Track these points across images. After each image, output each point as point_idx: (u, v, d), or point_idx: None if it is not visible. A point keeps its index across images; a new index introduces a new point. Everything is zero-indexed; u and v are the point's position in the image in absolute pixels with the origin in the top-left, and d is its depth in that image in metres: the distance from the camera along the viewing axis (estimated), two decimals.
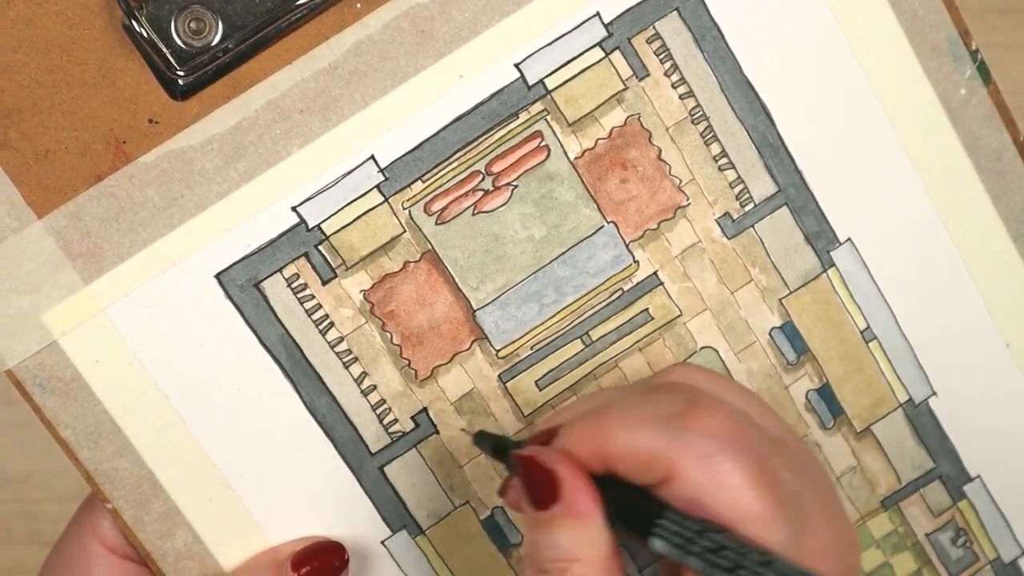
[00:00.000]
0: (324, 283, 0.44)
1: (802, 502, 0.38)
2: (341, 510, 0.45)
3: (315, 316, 0.44)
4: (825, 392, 0.48)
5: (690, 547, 0.35)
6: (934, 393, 0.48)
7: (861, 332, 0.47)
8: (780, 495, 0.37)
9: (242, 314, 0.43)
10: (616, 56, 0.44)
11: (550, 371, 0.46)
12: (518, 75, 0.43)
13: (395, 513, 0.45)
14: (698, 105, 0.44)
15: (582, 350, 0.46)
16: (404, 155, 0.43)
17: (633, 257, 0.45)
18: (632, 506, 0.37)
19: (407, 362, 0.45)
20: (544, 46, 0.43)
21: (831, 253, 0.46)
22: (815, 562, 0.37)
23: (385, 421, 0.45)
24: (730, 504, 0.36)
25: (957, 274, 0.47)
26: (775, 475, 0.37)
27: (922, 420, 0.48)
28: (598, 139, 0.44)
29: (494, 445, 0.42)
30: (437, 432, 0.45)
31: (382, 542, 0.46)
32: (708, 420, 0.37)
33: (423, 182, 0.43)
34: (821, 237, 0.46)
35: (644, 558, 0.47)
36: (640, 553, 0.47)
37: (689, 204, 0.45)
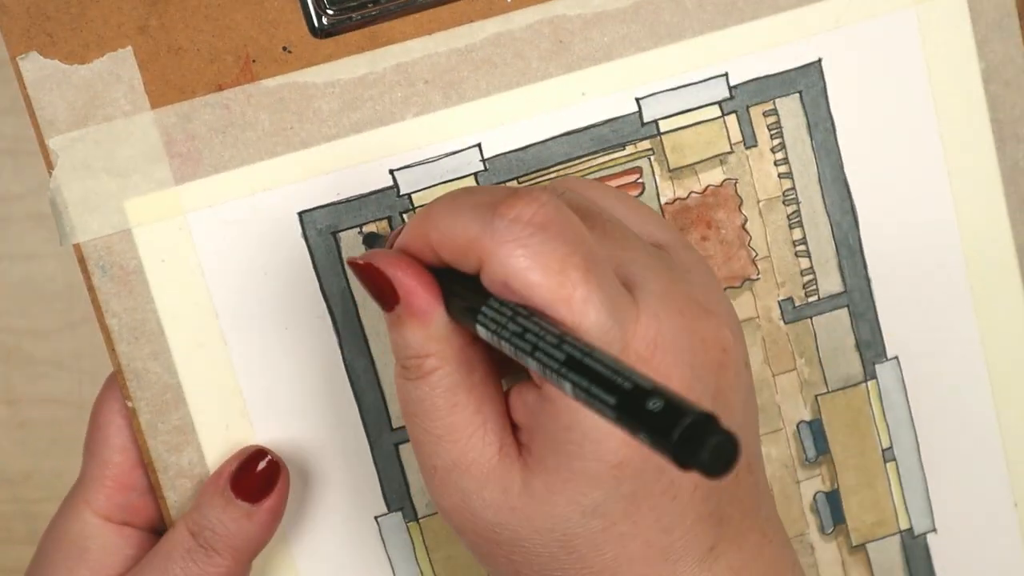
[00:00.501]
0: None
1: (640, 289, 0.36)
2: (347, 474, 0.45)
3: None
4: (833, 498, 0.48)
5: (501, 332, 0.35)
6: (934, 529, 0.48)
7: (883, 450, 0.48)
8: (593, 278, 0.35)
9: (312, 257, 0.43)
10: (731, 119, 0.45)
11: None
12: (636, 109, 0.44)
13: (397, 493, 0.45)
14: (793, 188, 0.45)
15: None
16: (508, 152, 0.44)
17: None
18: (462, 296, 0.37)
19: None
20: (668, 89, 0.44)
21: (876, 366, 0.47)
22: (644, 350, 0.35)
23: None
24: (536, 288, 0.35)
25: (987, 424, 0.48)
26: (590, 260, 0.35)
27: (916, 552, 0.48)
28: (692, 192, 0.45)
29: (365, 240, 0.43)
30: None
31: (376, 517, 0.45)
32: (521, 207, 0.35)
33: (518, 183, 0.44)
34: (871, 348, 0.47)
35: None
36: None
37: (758, 279, 0.46)
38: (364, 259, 0.37)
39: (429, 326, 0.37)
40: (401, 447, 0.45)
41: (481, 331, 0.36)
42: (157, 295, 0.43)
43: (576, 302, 0.35)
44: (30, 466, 0.45)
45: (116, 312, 0.43)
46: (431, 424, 0.37)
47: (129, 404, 0.43)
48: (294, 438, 0.44)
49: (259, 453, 0.43)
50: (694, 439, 0.27)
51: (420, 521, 0.46)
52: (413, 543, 0.46)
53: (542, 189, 0.37)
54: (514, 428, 0.38)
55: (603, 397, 0.30)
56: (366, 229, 0.44)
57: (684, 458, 0.28)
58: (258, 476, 0.43)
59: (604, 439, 0.35)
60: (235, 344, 0.43)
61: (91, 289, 0.42)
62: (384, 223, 0.44)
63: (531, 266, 0.35)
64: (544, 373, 0.33)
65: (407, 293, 0.37)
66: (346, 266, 0.41)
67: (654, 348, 0.35)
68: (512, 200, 0.35)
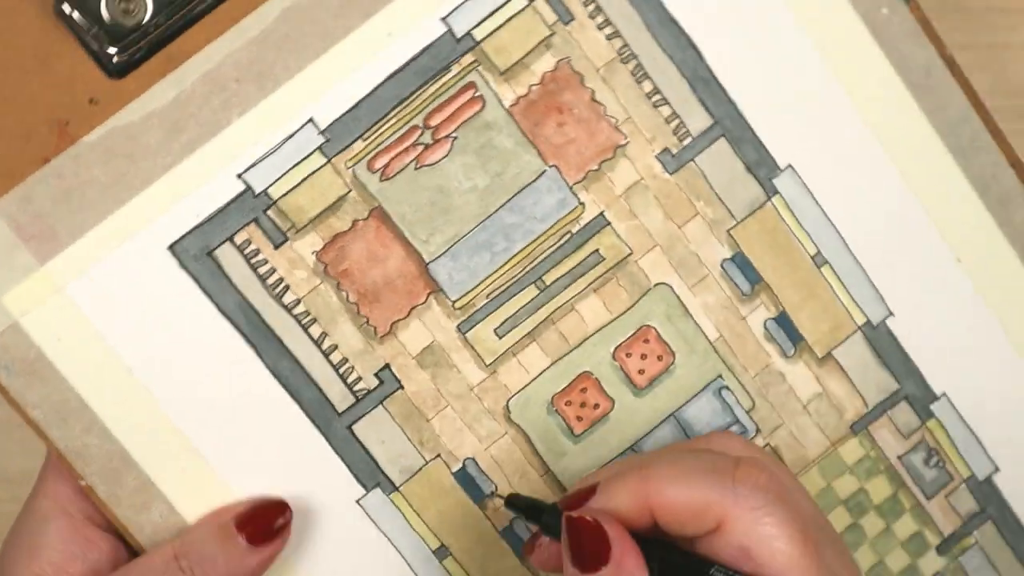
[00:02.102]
0: (276, 247, 0.43)
1: (838, 572, 0.38)
2: (313, 472, 0.44)
3: (270, 280, 0.43)
4: (783, 320, 0.47)
5: None
6: (891, 313, 0.47)
7: (812, 257, 0.46)
8: (822, 559, 0.37)
9: (198, 283, 0.43)
10: (540, 3, 0.43)
11: (508, 318, 0.45)
12: (446, 29, 0.43)
13: (367, 471, 0.45)
14: (625, 45, 0.44)
15: (537, 295, 0.45)
16: (342, 115, 0.43)
17: (578, 199, 0.45)
18: (677, 564, 0.37)
19: (365, 320, 0.44)
20: None
21: (773, 181, 0.46)
22: None
23: (349, 380, 0.44)
24: (778, 556, 0.36)
25: (900, 193, 0.46)
26: (819, 539, 0.37)
27: (882, 342, 0.47)
28: (531, 85, 0.44)
29: (528, 508, 0.41)
30: (402, 387, 0.45)
31: (356, 501, 0.45)
32: (757, 475, 0.37)
33: (364, 141, 0.43)
34: (762, 166, 0.46)
35: None
36: None
37: (628, 143, 0.45)
38: (579, 513, 0.37)
39: None
40: (354, 428, 0.44)
41: None
42: (67, 373, 0.42)
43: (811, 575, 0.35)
44: (30, 466, 0.45)
45: (35, 403, 0.42)
46: None
47: (83, 483, 0.43)
48: (251, 458, 0.44)
49: (279, 504, 0.43)
50: None
51: (400, 489, 0.45)
52: (402, 512, 0.45)
53: (760, 459, 0.38)
54: None
55: None
56: (237, 239, 0.43)
57: None
58: (266, 524, 0.42)
59: None
60: (158, 391, 0.43)
61: (2, 390, 0.42)
62: (252, 226, 0.43)
63: (778, 535, 0.36)
64: None
65: (623, 552, 0.36)
66: (545, 521, 0.40)
67: None
68: (748, 468, 0.37)
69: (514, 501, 0.42)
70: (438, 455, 0.45)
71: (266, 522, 0.42)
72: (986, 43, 0.46)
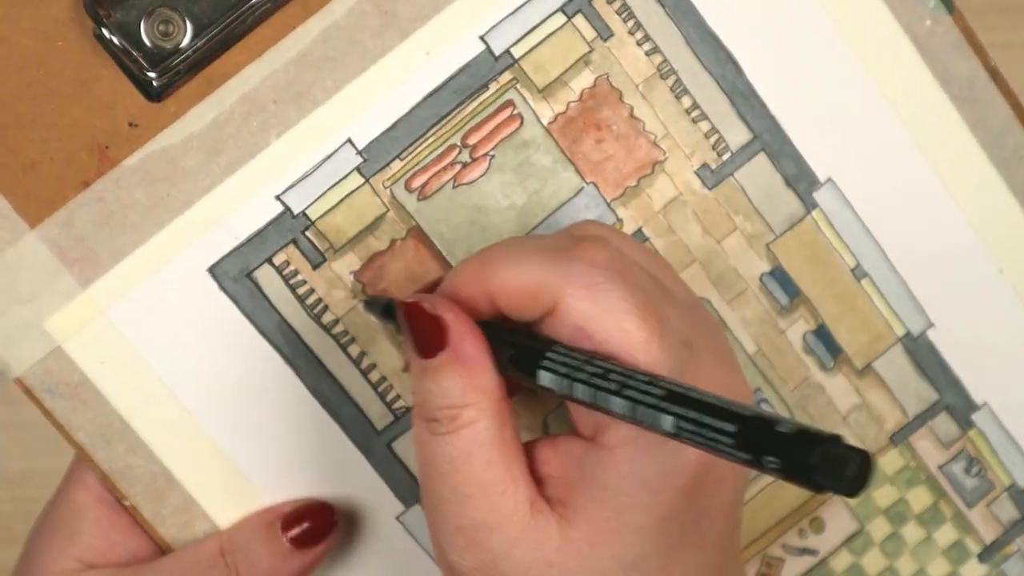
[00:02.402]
0: (314, 267, 0.43)
1: (692, 347, 0.36)
2: (354, 489, 0.44)
3: (309, 301, 0.43)
4: (822, 333, 0.46)
5: (576, 375, 0.33)
6: (932, 324, 0.47)
7: (852, 270, 0.46)
8: (666, 330, 0.34)
9: (238, 305, 0.43)
10: (579, 19, 0.43)
11: None
12: (484, 47, 0.43)
13: (407, 488, 0.45)
14: (665, 60, 0.44)
15: None
16: (380, 135, 0.43)
17: (616, 215, 0.44)
18: (519, 346, 0.35)
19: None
20: (507, 16, 0.42)
21: (813, 194, 0.45)
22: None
23: (388, 398, 0.44)
24: (615, 331, 0.34)
25: (943, 205, 0.46)
26: (662, 312, 0.35)
27: (922, 352, 0.47)
28: (569, 102, 0.44)
29: (384, 307, 0.41)
30: None
31: (397, 517, 0.45)
32: (595, 253, 0.35)
33: (401, 160, 0.43)
34: (801, 179, 0.45)
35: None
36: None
37: (666, 158, 0.44)
38: (412, 299, 0.36)
39: (474, 374, 0.35)
40: (393, 445, 0.45)
41: (545, 377, 0.34)
42: (110, 396, 0.42)
43: (652, 351, 0.34)
44: (30, 466, 0.45)
45: (80, 425, 0.42)
46: (461, 482, 0.35)
47: (127, 503, 0.43)
48: (292, 476, 0.44)
49: (326, 508, 0.43)
50: (831, 461, 0.27)
51: None
52: None
53: (603, 237, 0.36)
54: (537, 483, 0.36)
55: (719, 426, 0.30)
56: (276, 260, 0.43)
57: (824, 481, 0.27)
58: (315, 528, 0.42)
59: (662, 489, 0.34)
60: (200, 412, 0.43)
61: (47, 414, 0.42)
62: (291, 247, 0.43)
63: (609, 311, 0.34)
64: (633, 412, 0.32)
65: (459, 336, 0.35)
66: (368, 307, 0.40)
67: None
68: (586, 245, 0.35)
69: (369, 302, 0.41)
70: None
71: (312, 525, 0.42)
72: (986, 43, 0.45)
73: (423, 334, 0.35)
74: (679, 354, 0.35)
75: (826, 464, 0.28)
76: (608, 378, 0.33)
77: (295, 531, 0.42)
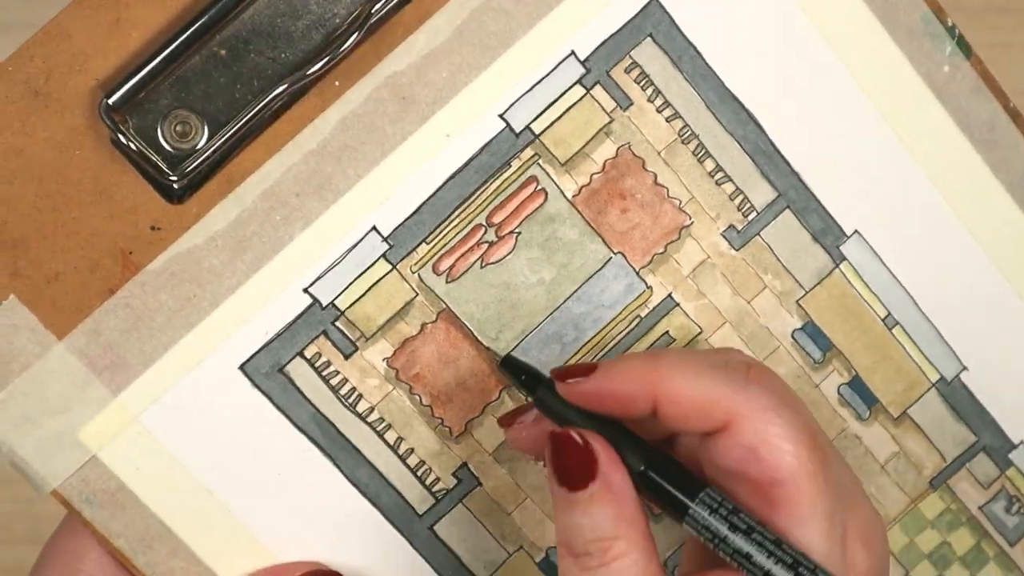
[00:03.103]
0: (346, 357, 0.43)
1: (846, 489, 0.37)
2: (400, 575, 0.44)
3: (343, 391, 0.43)
4: (856, 384, 0.46)
5: (732, 519, 0.34)
6: (965, 368, 0.46)
7: (883, 320, 0.46)
8: (831, 466, 0.35)
9: (271, 400, 0.42)
10: (597, 90, 0.42)
11: None
12: (504, 125, 0.42)
13: (452, 570, 0.44)
14: (686, 125, 0.43)
15: None
16: (405, 221, 0.42)
17: (645, 283, 0.44)
18: (673, 478, 0.36)
19: (440, 421, 0.43)
20: (525, 93, 0.42)
21: (840, 248, 0.45)
22: (861, 542, 0.36)
23: (428, 481, 0.44)
24: (787, 458, 0.34)
25: (968, 248, 0.46)
26: (826, 447, 0.36)
27: (957, 396, 0.47)
28: (592, 174, 0.43)
29: (523, 374, 0.40)
30: (480, 484, 0.44)
31: None
32: (770, 378, 0.35)
33: (427, 244, 0.42)
34: (828, 234, 0.45)
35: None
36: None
37: (692, 223, 0.44)
38: (564, 431, 0.36)
39: (623, 505, 0.34)
40: (436, 528, 0.44)
41: (701, 513, 0.35)
42: (148, 501, 0.42)
43: (820, 480, 0.34)
44: None
45: (119, 532, 0.42)
46: None
47: None
48: (337, 566, 0.43)
49: (321, 573, 0.42)
50: None
51: None
52: None
53: (766, 367, 0.37)
54: None
55: None
56: (307, 353, 0.42)
57: None
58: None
59: None
60: (241, 510, 0.42)
61: (87, 523, 0.41)
62: (322, 339, 0.42)
63: (785, 436, 0.34)
64: None
65: (609, 467, 0.35)
66: (504, 366, 0.40)
67: (864, 539, 0.37)
68: (761, 369, 0.36)
69: (511, 363, 0.40)
70: (521, 547, 0.45)
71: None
72: (986, 43, 0.45)
73: (572, 465, 0.35)
74: (838, 492, 0.35)
75: None
76: (757, 533, 0.33)
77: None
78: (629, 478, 0.36)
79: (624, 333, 0.44)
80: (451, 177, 0.42)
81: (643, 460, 0.37)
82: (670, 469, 0.37)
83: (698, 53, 0.42)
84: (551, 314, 0.43)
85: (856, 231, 0.45)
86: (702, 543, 0.36)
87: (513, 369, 0.42)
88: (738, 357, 0.38)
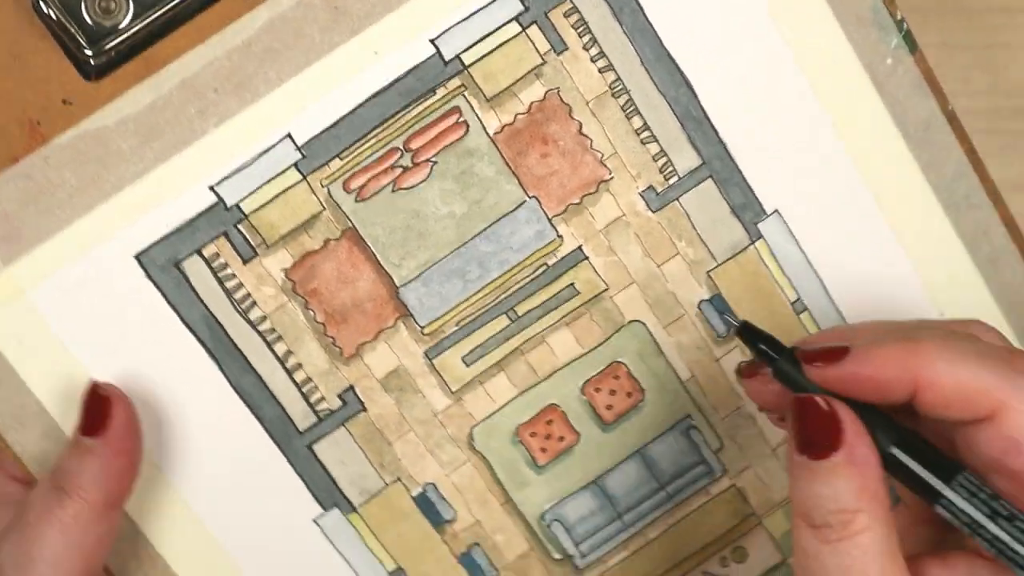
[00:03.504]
0: (245, 262, 0.42)
1: None
2: (271, 488, 0.44)
3: (237, 295, 0.42)
4: None
5: (992, 505, 0.33)
6: None
7: (791, 303, 0.45)
8: None
9: (163, 294, 0.42)
10: (533, 30, 0.42)
11: (476, 347, 0.44)
12: (434, 51, 0.42)
13: (326, 491, 0.44)
14: (618, 79, 0.43)
15: (508, 326, 0.44)
16: (321, 133, 0.42)
17: (556, 232, 0.44)
18: (928, 459, 0.35)
19: (332, 340, 0.43)
20: (460, 21, 0.41)
21: (758, 225, 0.44)
22: None
23: (312, 399, 0.43)
24: None
25: (889, 245, 0.45)
26: None
27: None
28: (517, 114, 0.43)
29: (763, 344, 0.38)
30: (365, 409, 0.44)
31: (314, 520, 0.44)
32: None
33: (341, 159, 0.42)
34: (748, 209, 0.44)
35: None
36: None
37: (612, 178, 0.44)
38: (810, 396, 0.35)
39: (867, 478, 0.34)
40: (315, 447, 0.44)
41: (959, 496, 0.34)
42: (27, 378, 0.41)
43: None
44: None
45: None
46: None
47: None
48: (209, 471, 0.43)
49: (91, 387, 0.41)
50: None
51: (359, 510, 0.44)
52: (359, 533, 0.44)
53: None
54: None
55: None
56: (206, 252, 0.42)
57: None
58: (92, 410, 0.40)
59: None
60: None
61: None
62: (222, 240, 0.42)
63: None
64: None
65: (854, 438, 0.34)
66: (743, 332, 0.38)
67: None
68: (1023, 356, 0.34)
69: (750, 330, 0.38)
70: (398, 479, 0.44)
71: (88, 410, 0.40)
72: (986, 43, 0.45)
73: (816, 432, 0.34)
74: None
75: None
76: (1015, 523, 0.33)
77: (85, 424, 0.40)
78: (876, 451, 0.35)
79: (529, 279, 0.44)
80: (374, 96, 0.41)
81: (894, 439, 0.36)
82: (923, 449, 0.36)
83: (639, 7, 0.42)
84: (457, 249, 0.43)
85: (776, 210, 0.44)
86: (936, 523, 0.36)
87: (751, 335, 0.38)
88: (999, 343, 0.37)
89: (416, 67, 0.41)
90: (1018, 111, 0.46)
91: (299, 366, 0.43)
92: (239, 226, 0.42)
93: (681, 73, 0.43)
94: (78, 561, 0.39)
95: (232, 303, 0.42)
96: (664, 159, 0.43)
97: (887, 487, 0.35)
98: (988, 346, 0.36)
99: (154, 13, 0.39)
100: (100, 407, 0.40)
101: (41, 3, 0.39)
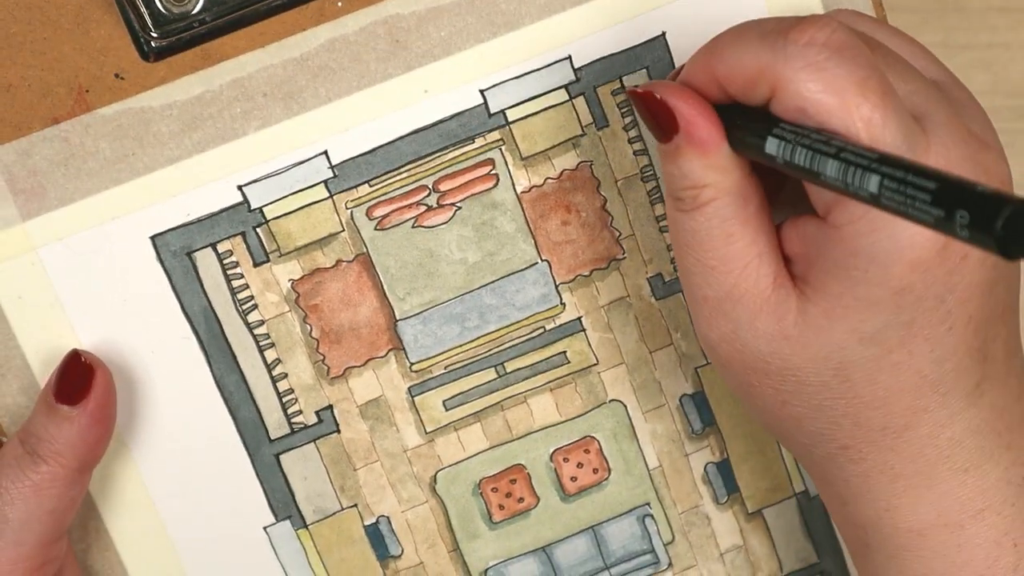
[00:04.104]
0: (255, 265, 0.43)
1: (927, 121, 0.35)
2: (231, 489, 0.44)
3: (240, 295, 0.43)
4: (724, 467, 0.47)
5: (800, 140, 0.34)
6: None
7: None
8: (892, 104, 0.34)
9: (170, 279, 0.42)
10: (580, 101, 0.43)
11: (459, 393, 0.45)
12: (482, 101, 0.43)
13: (283, 502, 0.44)
14: (650, 164, 0.44)
15: (494, 379, 0.45)
16: (356, 156, 0.43)
17: (560, 298, 0.45)
18: (747, 126, 0.36)
19: (322, 357, 0.44)
20: (512, 78, 0.43)
21: None
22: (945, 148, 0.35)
23: (289, 410, 0.44)
24: (835, 109, 0.34)
25: None
26: (887, 86, 0.34)
27: (814, 514, 0.47)
28: (547, 178, 0.44)
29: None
30: (339, 431, 0.44)
31: (264, 528, 0.45)
32: (813, 32, 0.34)
33: (370, 186, 0.43)
34: None
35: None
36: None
37: (624, 258, 0.45)
38: (645, 88, 0.37)
39: (709, 155, 0.36)
40: (282, 457, 0.44)
41: (773, 144, 0.35)
42: (18, 332, 0.42)
43: (874, 126, 0.34)
44: None
45: None
46: (704, 254, 0.37)
47: (4, 440, 0.42)
48: (174, 460, 0.44)
49: (74, 355, 0.41)
50: (1020, 226, 0.27)
51: (309, 528, 0.45)
52: (304, 550, 0.45)
53: (828, 16, 0.36)
54: (785, 261, 0.37)
55: (919, 183, 0.30)
56: (220, 247, 0.43)
57: (1010, 237, 0.27)
58: (73, 378, 0.41)
59: (891, 264, 0.35)
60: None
61: None
62: (238, 239, 0.43)
63: (828, 90, 0.34)
64: (847, 176, 0.32)
65: (688, 122, 0.36)
66: (628, 95, 0.40)
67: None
68: (804, 25, 0.35)
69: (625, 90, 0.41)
70: (355, 504, 0.45)
71: (69, 378, 0.41)
72: (986, 43, 0.45)
73: (656, 120, 0.37)
74: (907, 128, 0.34)
75: (1013, 221, 0.27)
76: (830, 143, 0.33)
77: (63, 391, 0.40)
78: (718, 131, 0.36)
79: (524, 339, 0.45)
80: (415, 131, 0.43)
81: (761, 128, 0.36)
82: (746, 116, 0.36)
83: None
84: (462, 295, 0.44)
85: None
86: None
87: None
88: (789, 18, 0.36)
89: (461, 112, 0.43)
90: (1018, 111, 0.47)
91: (284, 376, 0.44)
92: (258, 229, 0.42)
93: None
94: (48, 523, 0.40)
95: (234, 302, 0.43)
96: None
97: (741, 162, 0.37)
98: (778, 21, 0.36)
99: (223, 9, 0.40)
100: (83, 375, 0.41)
101: None
